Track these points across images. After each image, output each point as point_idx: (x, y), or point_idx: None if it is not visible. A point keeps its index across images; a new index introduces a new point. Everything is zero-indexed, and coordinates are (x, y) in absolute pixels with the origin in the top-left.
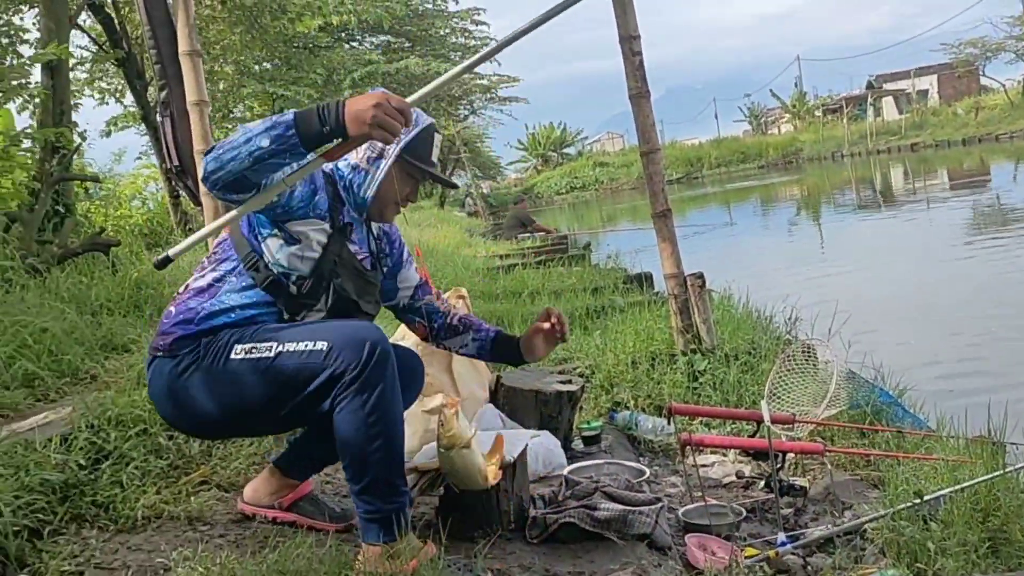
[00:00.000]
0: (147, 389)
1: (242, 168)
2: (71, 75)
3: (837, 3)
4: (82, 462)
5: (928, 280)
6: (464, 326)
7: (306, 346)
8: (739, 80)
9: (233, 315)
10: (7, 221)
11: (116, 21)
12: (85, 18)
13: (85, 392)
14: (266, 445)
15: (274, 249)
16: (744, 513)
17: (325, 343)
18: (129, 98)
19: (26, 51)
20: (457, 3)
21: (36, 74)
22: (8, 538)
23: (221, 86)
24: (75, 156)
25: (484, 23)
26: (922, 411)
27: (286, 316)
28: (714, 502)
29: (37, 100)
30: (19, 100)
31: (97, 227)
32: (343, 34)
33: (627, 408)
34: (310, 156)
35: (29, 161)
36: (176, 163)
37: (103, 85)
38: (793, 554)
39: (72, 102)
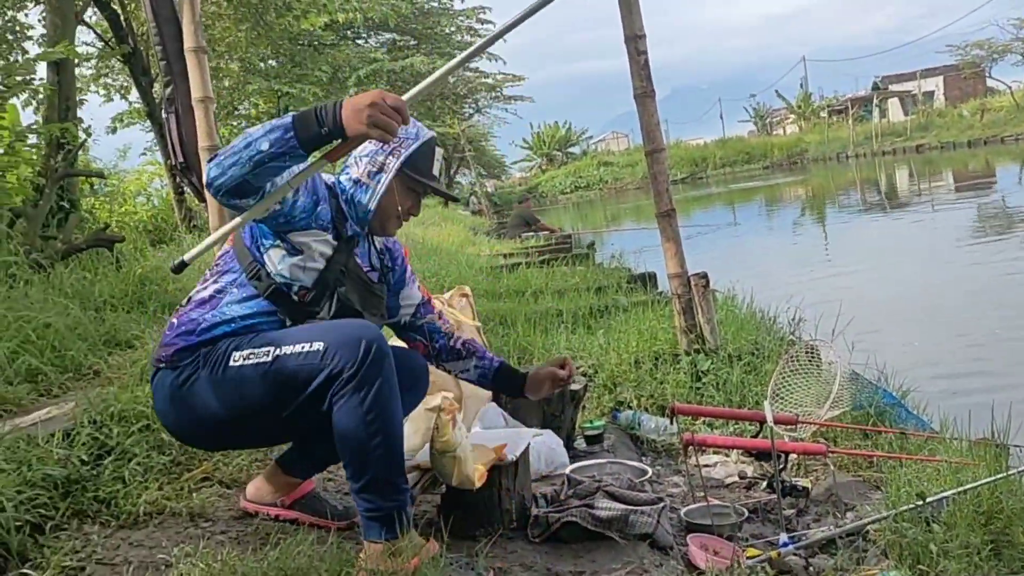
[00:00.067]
0: (151, 401)
1: (244, 173)
2: (77, 71)
3: (843, 4)
4: (84, 458)
5: (932, 281)
6: (468, 351)
7: (303, 348)
8: (744, 80)
9: (234, 325)
10: (11, 216)
11: (122, 17)
12: (91, 14)
13: (88, 388)
14: None
15: (276, 260)
16: (746, 513)
17: (321, 343)
18: (134, 94)
19: (30, 47)
20: (463, 1)
21: (42, 71)
22: (10, 533)
23: (226, 83)
24: (80, 152)
25: (490, 21)
26: (925, 413)
27: (288, 324)
28: (716, 502)
29: (41, 96)
30: (24, 96)
31: (101, 223)
32: (348, 32)
33: (630, 408)
34: (312, 157)
35: (34, 157)
36: (181, 159)
37: (108, 81)
38: (795, 555)
39: (78, 98)
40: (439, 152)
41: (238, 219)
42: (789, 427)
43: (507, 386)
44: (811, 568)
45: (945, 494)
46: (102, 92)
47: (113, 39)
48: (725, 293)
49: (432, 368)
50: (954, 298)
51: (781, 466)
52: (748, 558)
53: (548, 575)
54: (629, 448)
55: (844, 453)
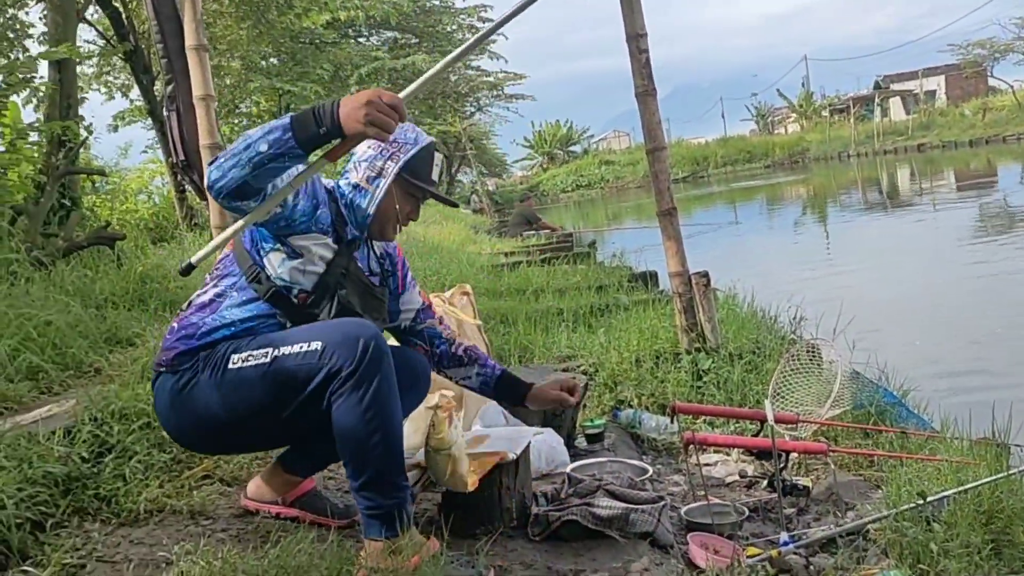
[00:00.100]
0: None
1: (244, 175)
2: (78, 69)
3: (843, 4)
4: (85, 455)
5: (934, 281)
6: (470, 358)
7: (301, 348)
8: (746, 79)
9: (233, 328)
10: (13, 214)
11: (123, 15)
12: (93, 12)
13: (89, 385)
14: None
15: (276, 263)
16: (747, 512)
17: (320, 343)
18: (135, 92)
19: (31, 45)
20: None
21: (43, 69)
22: (11, 530)
23: (227, 81)
24: (81, 150)
25: (491, 20)
26: (926, 412)
27: (289, 327)
28: (717, 501)
29: (42, 92)
30: (24, 93)
31: (103, 221)
32: (350, 30)
33: (631, 406)
34: (312, 157)
35: (35, 154)
36: (182, 157)
37: (110, 79)
38: (795, 554)
39: (79, 96)
40: (438, 157)
41: (244, 219)
42: (790, 426)
43: (509, 395)
44: (811, 567)
45: (946, 493)
46: (103, 90)
47: (114, 37)
48: (726, 292)
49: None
50: (955, 297)
51: (782, 465)
52: (748, 557)
53: (548, 573)
54: (630, 447)
55: (845, 452)
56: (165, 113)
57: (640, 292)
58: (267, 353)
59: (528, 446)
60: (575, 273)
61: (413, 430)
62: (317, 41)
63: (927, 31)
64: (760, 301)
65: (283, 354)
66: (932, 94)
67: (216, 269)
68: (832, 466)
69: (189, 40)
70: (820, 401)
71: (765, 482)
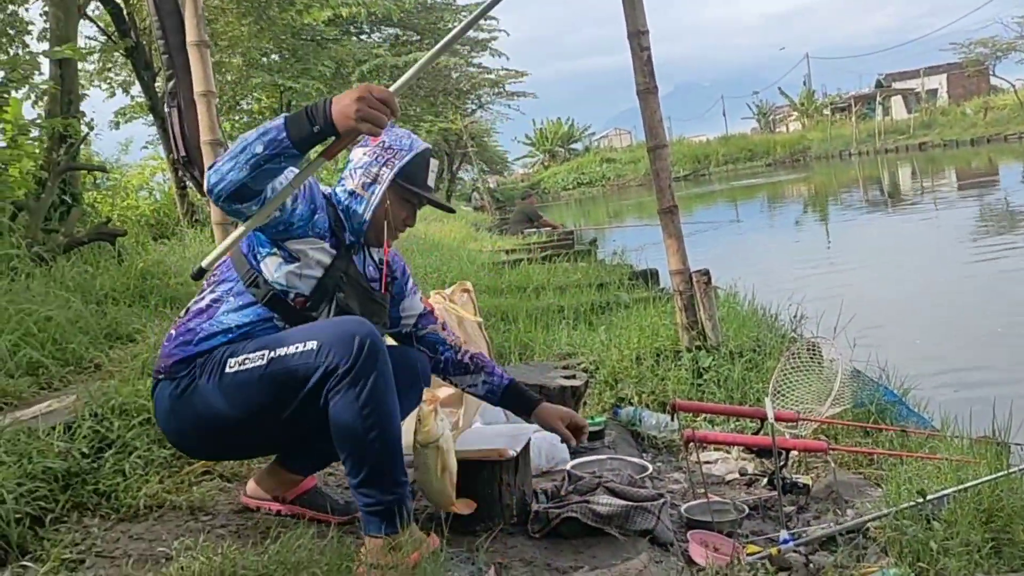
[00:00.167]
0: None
1: (242, 177)
2: (80, 66)
3: (844, 3)
4: (85, 451)
5: (934, 279)
6: (476, 366)
7: (297, 348)
8: (747, 78)
9: (231, 335)
10: (14, 210)
11: (124, 11)
12: (94, 8)
13: (89, 381)
14: None
15: (272, 268)
16: (747, 510)
17: (315, 342)
18: (137, 89)
19: (31, 43)
20: None
21: (44, 66)
22: (10, 525)
23: (228, 77)
24: (82, 146)
25: (493, 17)
26: (926, 410)
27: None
28: (717, 499)
29: (42, 89)
30: (24, 90)
31: (103, 217)
32: (351, 27)
33: (631, 404)
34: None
35: (36, 150)
36: (183, 153)
37: (112, 76)
38: (795, 552)
39: (80, 92)
40: (433, 163)
41: (251, 220)
42: (790, 424)
43: (515, 406)
44: (811, 565)
45: (946, 492)
46: (104, 87)
47: (115, 33)
48: (727, 290)
49: None
50: (956, 296)
51: (782, 463)
52: (748, 555)
53: (548, 570)
54: (630, 444)
55: (845, 450)
56: (166, 109)
57: (641, 290)
58: (264, 355)
59: (528, 443)
60: (576, 271)
61: (406, 429)
62: (318, 38)
63: (927, 31)
64: (761, 299)
65: (279, 355)
66: (934, 93)
67: (213, 275)
68: (832, 464)
69: (190, 36)
70: (820, 399)
71: (765, 480)
